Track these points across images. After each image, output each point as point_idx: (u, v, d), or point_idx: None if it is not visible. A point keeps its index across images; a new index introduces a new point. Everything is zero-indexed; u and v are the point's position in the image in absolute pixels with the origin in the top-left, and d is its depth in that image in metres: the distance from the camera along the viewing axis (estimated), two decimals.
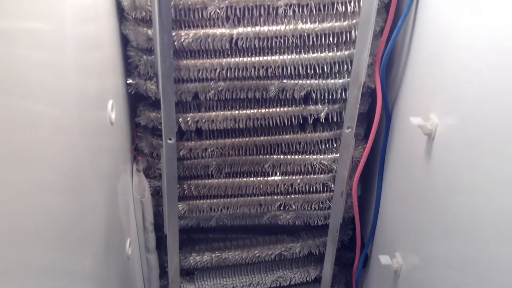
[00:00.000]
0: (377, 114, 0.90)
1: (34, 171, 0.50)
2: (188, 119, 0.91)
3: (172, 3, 0.80)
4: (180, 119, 0.91)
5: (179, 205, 1.00)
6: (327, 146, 0.97)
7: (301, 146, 0.97)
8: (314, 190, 1.01)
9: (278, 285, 1.14)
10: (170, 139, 0.91)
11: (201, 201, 1.02)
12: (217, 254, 1.09)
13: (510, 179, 0.50)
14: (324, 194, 1.01)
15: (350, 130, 0.92)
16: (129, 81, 0.92)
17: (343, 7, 0.82)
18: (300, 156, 0.98)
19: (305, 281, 1.14)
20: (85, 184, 0.69)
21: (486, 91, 0.57)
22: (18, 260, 0.47)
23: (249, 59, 0.86)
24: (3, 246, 0.43)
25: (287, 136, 0.96)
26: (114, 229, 0.87)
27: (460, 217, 0.63)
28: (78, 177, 0.65)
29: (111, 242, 0.84)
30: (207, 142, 0.95)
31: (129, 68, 0.92)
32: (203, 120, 0.92)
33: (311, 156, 0.98)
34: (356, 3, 0.82)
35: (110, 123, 0.80)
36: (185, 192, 1.00)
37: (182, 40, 0.83)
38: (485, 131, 0.56)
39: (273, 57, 0.86)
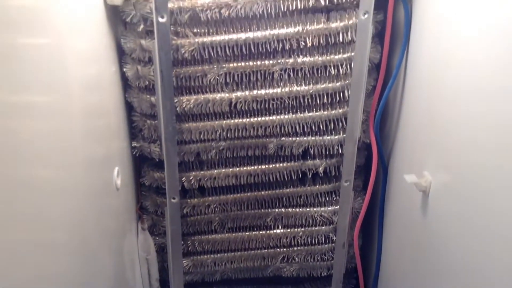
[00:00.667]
0: (373, 169, 0.93)
1: (40, 233, 0.52)
2: (191, 178, 0.95)
3: (173, 72, 0.85)
4: (183, 178, 0.94)
5: (184, 261, 1.02)
6: (327, 198, 1.00)
7: (301, 199, 1.00)
8: (316, 242, 1.03)
9: None
10: (173, 198, 0.93)
11: (205, 256, 1.03)
12: None
13: (502, 229, 0.52)
14: (326, 246, 1.03)
15: (348, 183, 0.94)
16: (134, 144, 0.95)
17: (335, 69, 0.86)
18: (301, 209, 1.00)
19: None
20: (91, 245, 0.71)
21: (477, 146, 0.59)
22: None
23: (248, 120, 0.90)
24: None
25: (288, 190, 0.99)
26: None
27: (457, 268, 0.64)
28: (84, 238, 0.68)
29: None
30: (210, 198, 0.98)
31: (133, 132, 0.96)
32: (206, 178, 0.95)
33: (311, 209, 1.00)
34: (348, 65, 0.86)
35: (116, 189, 0.83)
36: (190, 248, 1.02)
37: (184, 106, 0.87)
38: (477, 186, 0.58)
39: (270, 117, 0.90)
